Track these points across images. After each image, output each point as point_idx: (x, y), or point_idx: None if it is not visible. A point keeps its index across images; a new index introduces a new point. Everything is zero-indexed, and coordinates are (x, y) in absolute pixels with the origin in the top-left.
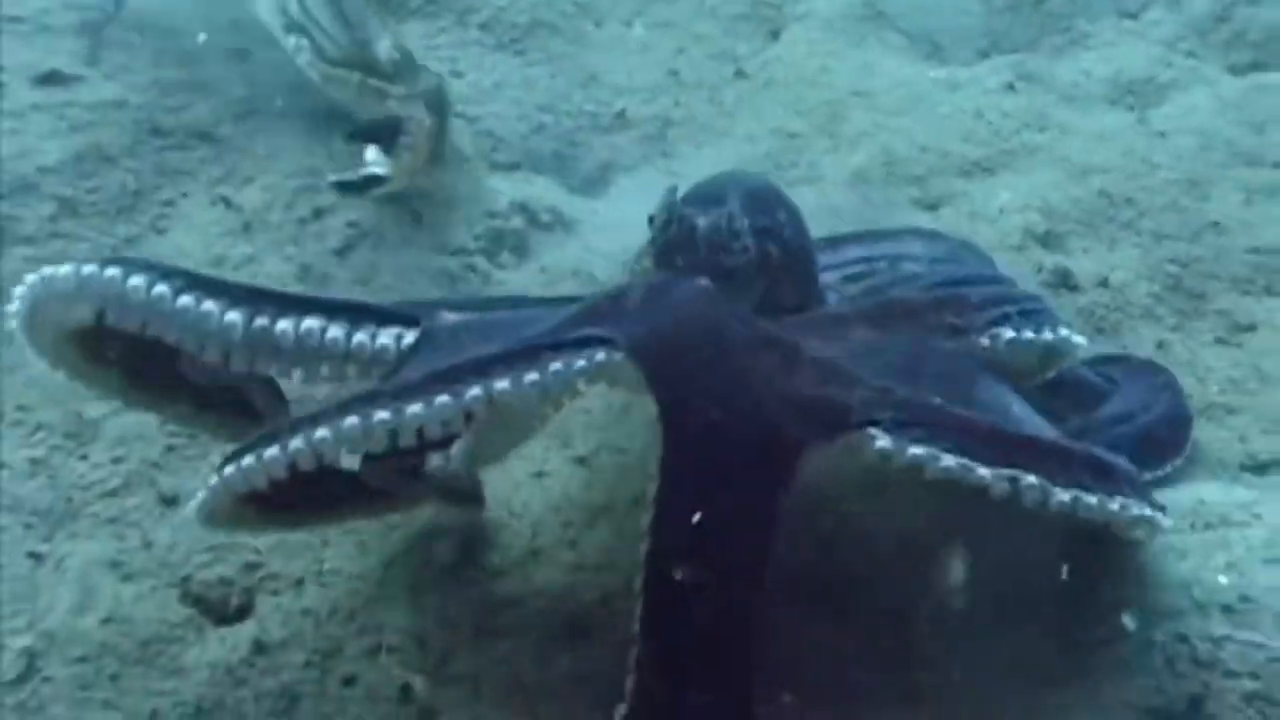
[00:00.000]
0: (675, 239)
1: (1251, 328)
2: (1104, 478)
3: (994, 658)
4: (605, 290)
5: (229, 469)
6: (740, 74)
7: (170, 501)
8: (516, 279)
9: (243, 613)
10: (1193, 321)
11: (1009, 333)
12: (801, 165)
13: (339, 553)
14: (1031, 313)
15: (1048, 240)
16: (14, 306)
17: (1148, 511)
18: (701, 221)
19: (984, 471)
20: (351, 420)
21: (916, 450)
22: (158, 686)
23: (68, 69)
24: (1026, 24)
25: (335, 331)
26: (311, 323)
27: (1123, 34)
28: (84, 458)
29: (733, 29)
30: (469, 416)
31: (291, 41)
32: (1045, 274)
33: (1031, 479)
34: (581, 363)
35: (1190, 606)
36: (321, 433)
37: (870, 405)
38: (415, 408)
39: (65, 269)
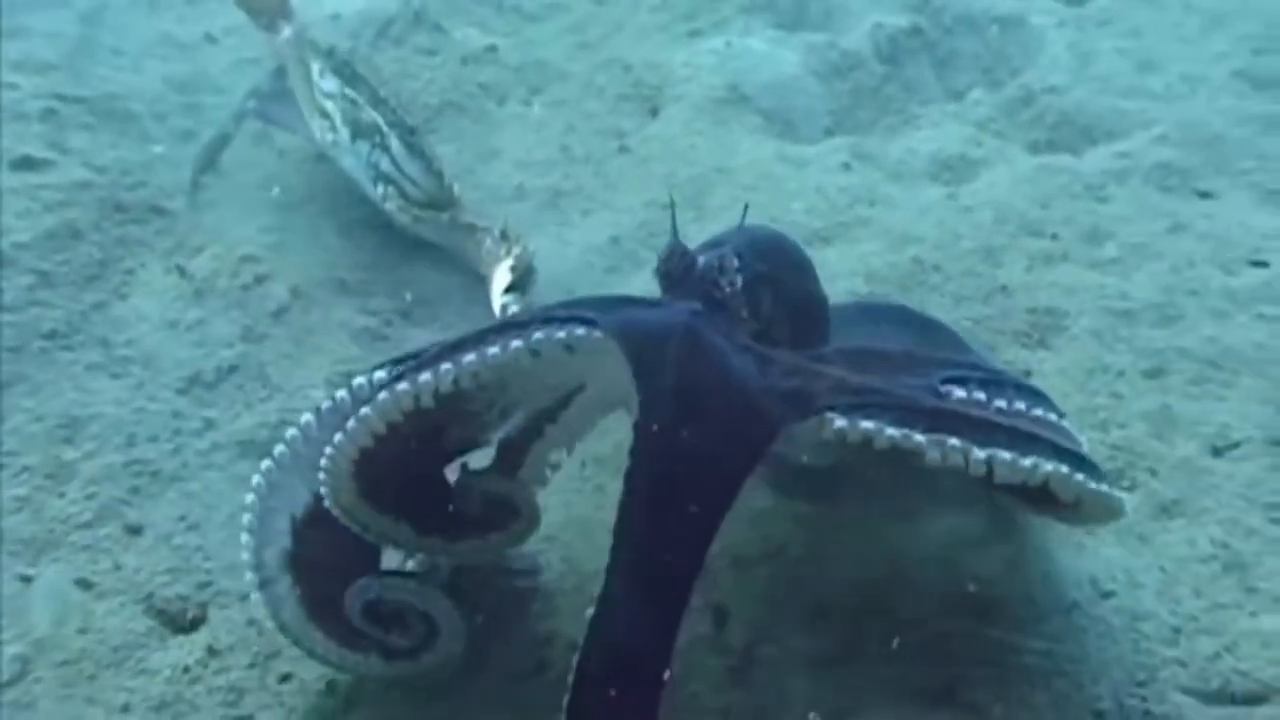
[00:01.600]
0: (673, 271)
1: (1028, 373)
2: (1029, 444)
3: None
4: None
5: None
6: (623, 149)
7: (136, 531)
8: (429, 335)
9: (197, 623)
10: None
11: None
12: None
13: None
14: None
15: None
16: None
17: (1064, 469)
18: (698, 258)
19: (919, 438)
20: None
21: (866, 425)
22: (128, 684)
23: (38, 154)
24: (867, 106)
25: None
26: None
27: (947, 116)
28: (62, 495)
29: (617, 108)
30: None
31: (380, 190)
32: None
33: (955, 441)
34: (561, 334)
35: None
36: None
37: (830, 392)
38: (425, 375)
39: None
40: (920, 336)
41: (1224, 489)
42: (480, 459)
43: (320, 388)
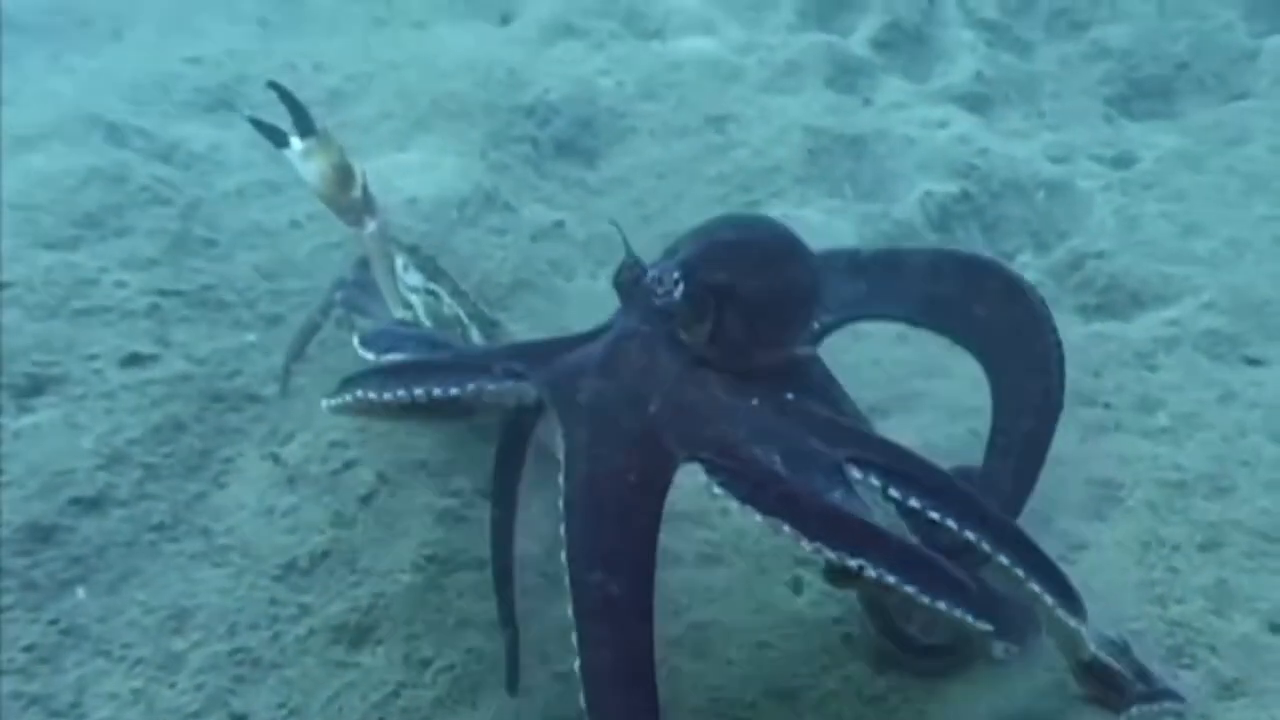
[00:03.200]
0: (624, 285)
1: (1084, 547)
2: (868, 540)
3: None
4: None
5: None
6: None
7: (240, 719)
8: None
9: None
10: (1039, 541)
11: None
12: None
13: None
14: None
15: None
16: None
17: (887, 573)
18: (646, 273)
19: (758, 516)
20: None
21: (717, 490)
22: None
23: (145, 350)
24: None
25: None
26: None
27: None
28: (172, 686)
29: None
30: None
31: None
32: None
33: (786, 527)
34: (492, 386)
35: None
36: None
37: (712, 445)
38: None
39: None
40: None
41: None
42: None
43: (408, 572)
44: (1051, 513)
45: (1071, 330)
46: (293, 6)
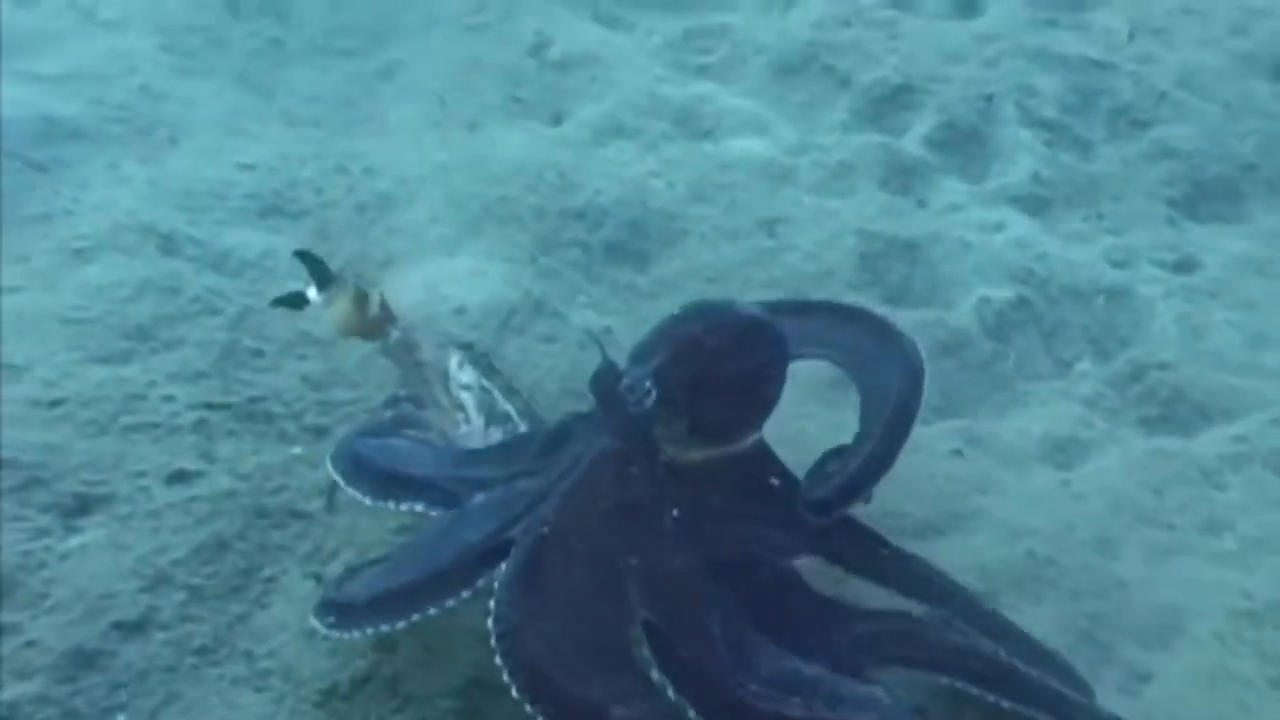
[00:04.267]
0: (601, 392)
1: (1147, 678)
2: None
3: None
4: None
5: None
6: None
7: None
8: None
9: None
10: (1100, 670)
11: None
12: None
13: None
14: None
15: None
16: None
17: None
18: (620, 380)
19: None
20: None
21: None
22: None
23: (190, 466)
24: (976, 383)
25: None
26: None
27: (1055, 393)
28: None
29: None
30: None
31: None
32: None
33: None
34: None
35: None
36: None
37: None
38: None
39: None
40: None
41: None
42: None
43: (451, 697)
44: (1113, 640)
45: (1133, 445)
46: (348, 108)
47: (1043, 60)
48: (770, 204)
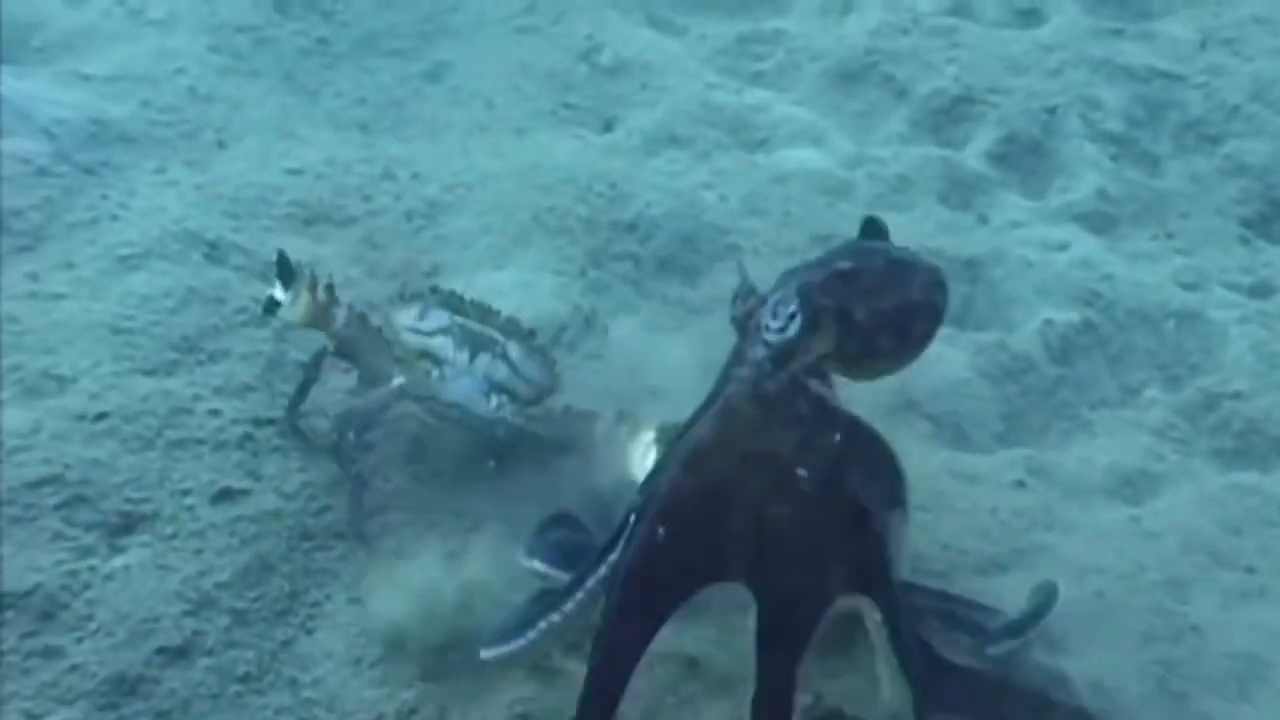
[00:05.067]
0: (740, 316)
1: None
2: None
3: None
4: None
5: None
6: None
7: None
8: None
9: None
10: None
11: None
12: None
13: None
14: None
15: (1049, 643)
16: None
17: None
18: (762, 304)
19: None
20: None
21: None
22: None
23: (236, 484)
24: (1039, 410)
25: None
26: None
27: (1123, 422)
28: None
29: None
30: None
31: (493, 402)
32: (1042, 675)
33: None
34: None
35: None
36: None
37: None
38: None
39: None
40: None
41: None
42: None
43: None
44: (1189, 689)
45: (1207, 480)
46: (395, 110)
47: (1107, 71)
48: (826, 219)
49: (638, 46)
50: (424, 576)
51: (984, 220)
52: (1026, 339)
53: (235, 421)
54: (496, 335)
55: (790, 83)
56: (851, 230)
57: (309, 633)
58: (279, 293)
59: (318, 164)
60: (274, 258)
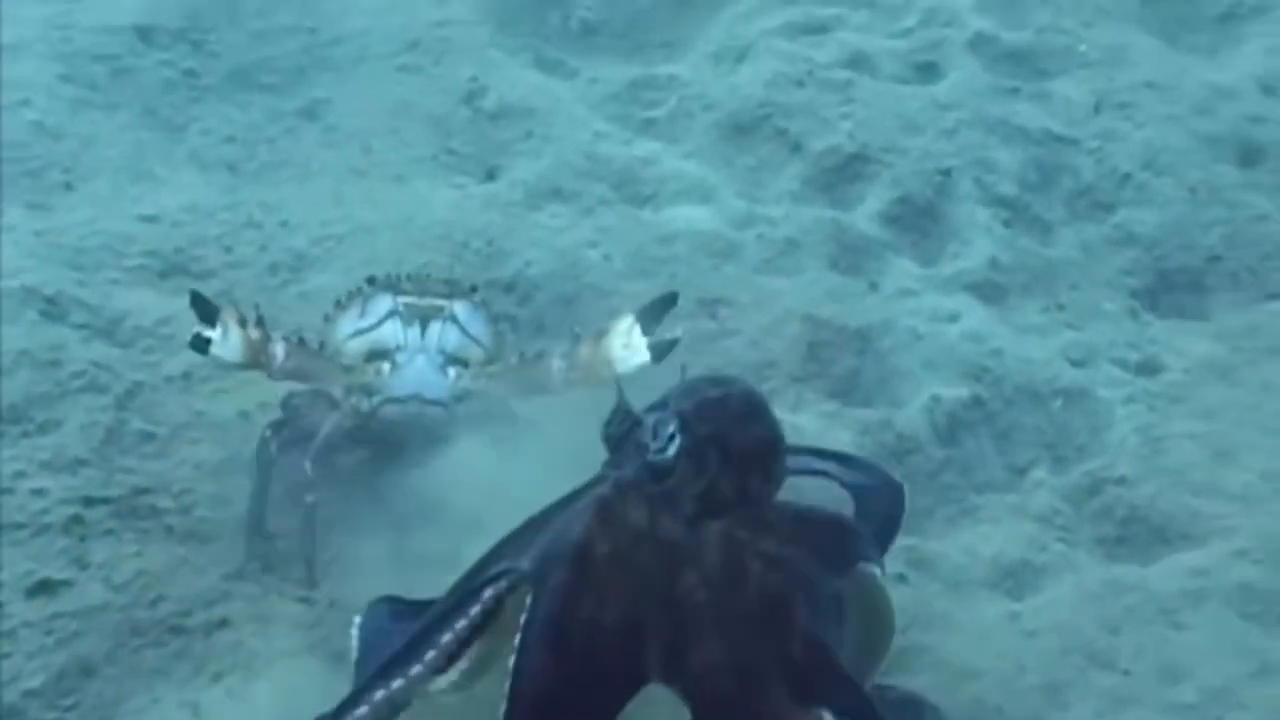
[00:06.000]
0: (614, 436)
1: None
2: None
3: None
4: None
5: None
6: None
7: None
8: None
9: None
10: None
11: None
12: None
13: None
14: None
15: None
16: None
17: None
18: (640, 423)
19: None
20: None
21: None
22: None
23: (57, 575)
24: (924, 494)
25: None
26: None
27: (1008, 508)
28: None
29: None
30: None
31: (450, 376)
32: None
33: None
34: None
35: None
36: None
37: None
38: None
39: None
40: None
41: None
42: None
43: None
44: None
45: (1088, 573)
46: (266, 149)
47: (1003, 132)
48: (712, 282)
49: (524, 90)
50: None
51: (874, 287)
52: (913, 417)
53: (63, 501)
54: (440, 302)
55: (681, 133)
56: (739, 296)
57: None
58: (208, 331)
59: (175, 210)
60: (188, 300)
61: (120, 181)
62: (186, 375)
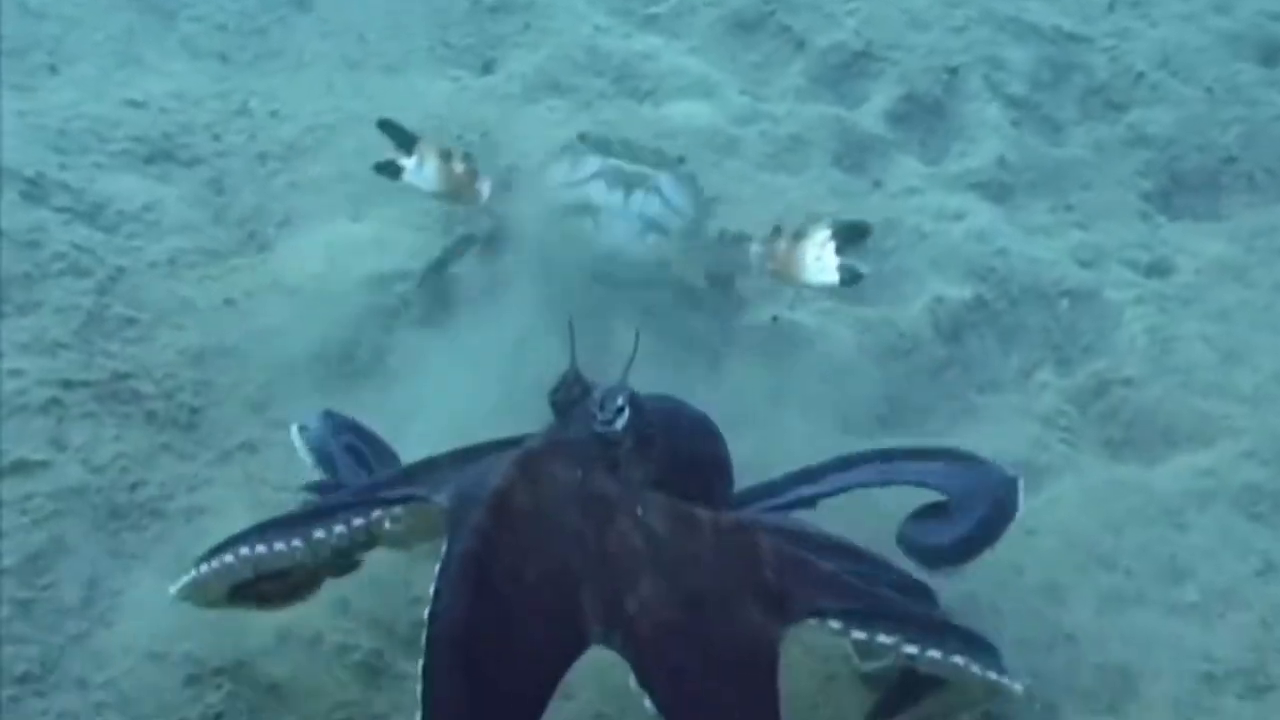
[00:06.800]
0: (562, 401)
1: None
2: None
3: None
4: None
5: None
6: None
7: None
8: None
9: None
10: None
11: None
12: None
13: None
14: None
15: None
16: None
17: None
18: (592, 391)
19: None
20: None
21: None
22: None
23: (34, 455)
24: (925, 392)
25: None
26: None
27: (1010, 408)
28: None
29: None
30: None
31: (650, 240)
32: None
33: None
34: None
35: None
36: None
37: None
38: (271, 545)
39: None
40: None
41: None
42: None
43: None
44: (1059, 700)
45: (1092, 473)
46: (258, 40)
47: (1013, 29)
48: (713, 179)
49: None
50: None
51: (879, 185)
52: (915, 316)
53: (41, 383)
54: (647, 170)
55: (684, 28)
56: (741, 192)
57: (107, 625)
58: (404, 160)
59: (163, 96)
60: (380, 126)
61: (106, 65)
62: (172, 261)
